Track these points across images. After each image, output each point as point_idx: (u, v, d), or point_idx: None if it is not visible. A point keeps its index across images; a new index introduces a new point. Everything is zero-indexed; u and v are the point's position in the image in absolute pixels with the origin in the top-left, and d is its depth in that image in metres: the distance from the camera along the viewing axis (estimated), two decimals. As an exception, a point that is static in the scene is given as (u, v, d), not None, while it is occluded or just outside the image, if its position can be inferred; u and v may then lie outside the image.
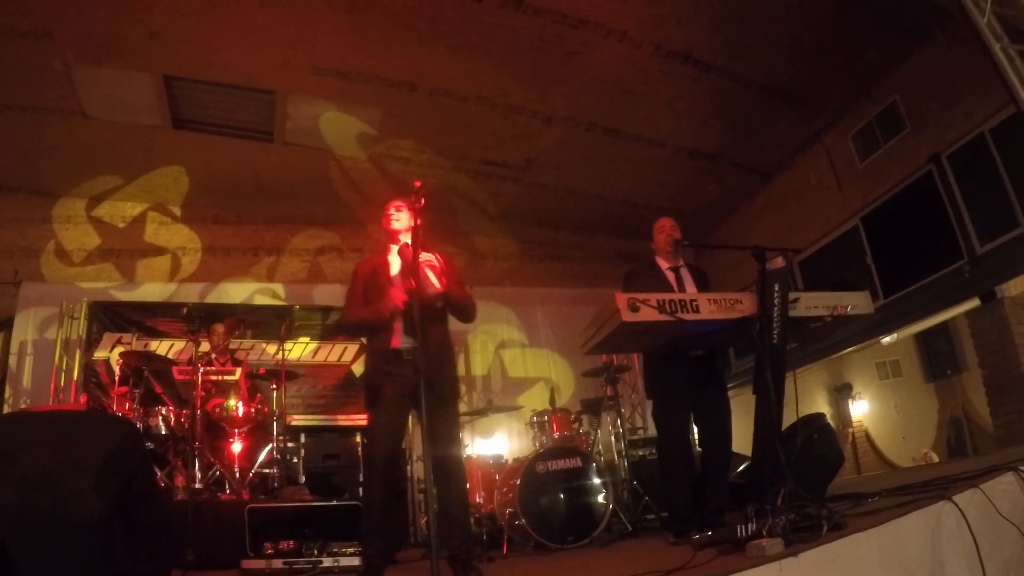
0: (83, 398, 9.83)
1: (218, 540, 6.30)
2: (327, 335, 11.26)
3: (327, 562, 5.80)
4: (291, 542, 6.05)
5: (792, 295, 5.23)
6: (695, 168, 10.98)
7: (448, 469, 5.02)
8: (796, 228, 10.93)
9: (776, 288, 5.12)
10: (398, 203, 5.56)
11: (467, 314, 5.52)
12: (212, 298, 11.60)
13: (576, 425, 7.74)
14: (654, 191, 11.39)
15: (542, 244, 13.04)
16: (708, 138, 10.39)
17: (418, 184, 4.85)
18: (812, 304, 5.44)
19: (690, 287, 6.10)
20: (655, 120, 10.00)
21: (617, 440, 8.63)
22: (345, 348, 11.24)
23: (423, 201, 4.84)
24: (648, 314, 4.94)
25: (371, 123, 10.04)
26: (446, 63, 8.92)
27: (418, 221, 5.08)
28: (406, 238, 5.40)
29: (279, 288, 11.97)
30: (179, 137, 10.48)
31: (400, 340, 5.21)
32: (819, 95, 9.68)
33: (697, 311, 5.09)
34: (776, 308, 5.12)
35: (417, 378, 4.73)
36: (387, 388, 5.17)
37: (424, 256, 5.22)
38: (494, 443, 10.06)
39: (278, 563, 5.85)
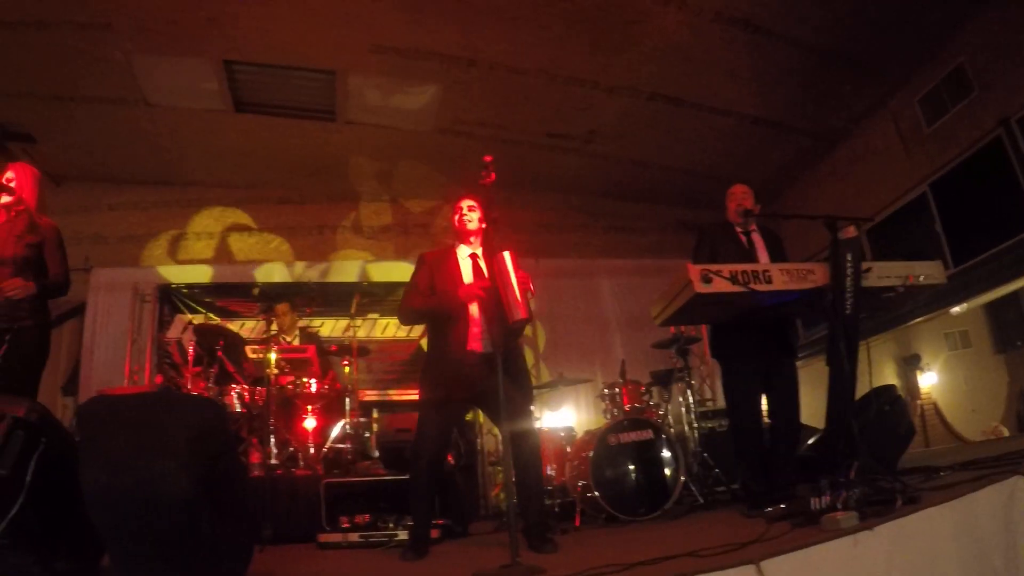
0: (159, 379, 9.99)
1: (294, 515, 6.45)
2: (395, 311, 11.21)
3: (402, 534, 5.85)
4: (366, 515, 6.16)
5: (864, 265, 5.16)
6: (758, 136, 10.85)
7: (522, 443, 5.02)
8: (862, 195, 10.76)
9: (849, 258, 5.05)
10: (470, 201, 5.54)
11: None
12: (279, 277, 11.76)
13: (646, 397, 7.69)
14: (717, 160, 11.28)
15: (606, 215, 12.97)
16: (771, 105, 10.26)
17: (488, 158, 4.77)
18: (884, 274, 5.36)
19: (762, 252, 6.05)
20: (717, 88, 9.90)
21: (687, 412, 8.58)
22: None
23: (493, 176, 4.76)
24: (721, 285, 4.90)
25: (431, 99, 10.07)
26: (504, 37, 8.91)
27: (483, 223, 5.09)
28: (476, 240, 5.40)
29: (345, 265, 12.08)
30: (241, 120, 10.63)
31: (475, 345, 5.22)
32: (883, 59, 9.48)
33: (770, 281, 5.04)
34: (849, 278, 5.06)
35: (486, 379, 4.76)
36: (449, 390, 5.18)
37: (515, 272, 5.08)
38: (562, 416, 10.05)
39: (354, 536, 5.96)
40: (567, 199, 12.47)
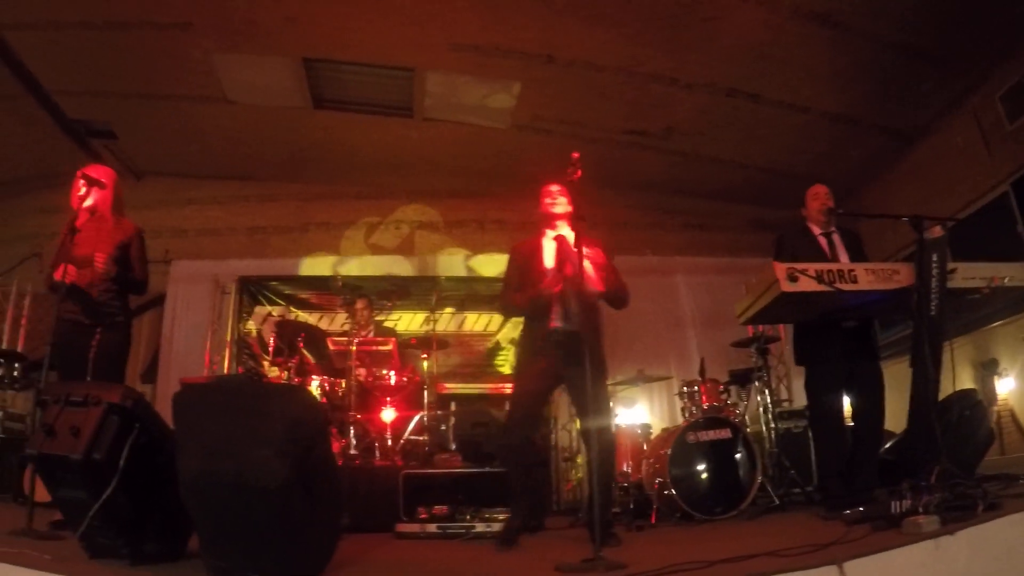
0: (240, 370, 10.16)
1: (373, 505, 6.55)
2: (472, 305, 11.46)
3: (480, 527, 5.92)
4: (444, 507, 6.23)
5: (950, 265, 5.11)
6: (836, 134, 10.68)
7: (602, 440, 5.06)
8: (941, 195, 10.53)
9: (935, 258, 5.00)
10: (557, 187, 5.62)
11: (621, 304, 5.61)
12: (356, 271, 11.90)
13: (724, 396, 7.66)
14: (795, 158, 11.13)
15: (682, 213, 12.87)
16: (849, 102, 10.09)
17: (576, 155, 4.86)
18: (970, 275, 5.30)
19: (842, 253, 6.00)
20: (795, 85, 9.76)
21: (764, 412, 8.52)
22: (490, 319, 11.43)
23: (580, 172, 4.84)
24: (807, 284, 4.90)
25: (509, 97, 10.09)
26: (582, 34, 8.88)
27: (572, 208, 5.15)
28: (563, 224, 5.47)
29: (422, 260, 12.19)
30: (320, 117, 10.78)
31: (555, 322, 5.31)
32: (964, 54, 9.23)
33: (855, 281, 5.02)
34: (934, 279, 5.01)
35: (568, 357, 4.86)
36: (539, 360, 5.26)
37: (586, 251, 5.22)
38: (636, 413, 10.04)
39: (432, 527, 6.03)
40: (643, 196, 12.38)
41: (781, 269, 4.95)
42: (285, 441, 3.48)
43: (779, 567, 3.23)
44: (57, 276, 5.60)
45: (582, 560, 3.63)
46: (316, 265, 11.99)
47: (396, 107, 10.59)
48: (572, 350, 5.11)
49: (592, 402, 4.77)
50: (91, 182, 5.91)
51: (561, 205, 5.58)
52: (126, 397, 3.87)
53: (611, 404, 6.15)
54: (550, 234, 5.61)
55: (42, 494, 4.54)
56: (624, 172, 11.50)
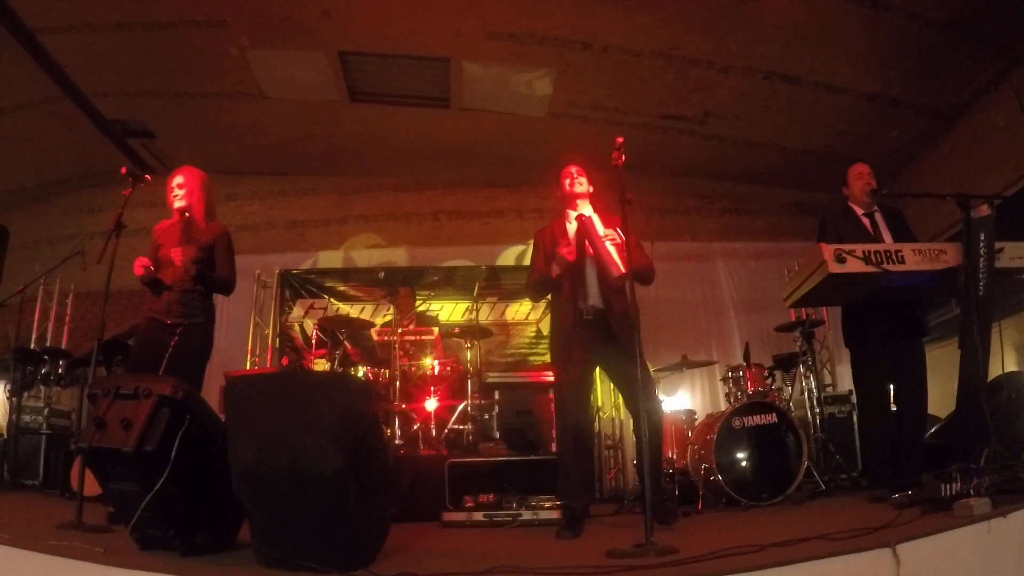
0: (284, 361, 10.24)
1: (418, 494, 6.56)
2: (513, 294, 11.46)
3: (526, 515, 5.93)
4: (491, 495, 6.24)
5: (997, 245, 5.02)
6: (876, 114, 10.56)
7: (649, 423, 5.05)
8: (983, 173, 10.37)
9: (982, 238, 4.93)
10: (576, 167, 5.65)
11: (645, 280, 5.56)
12: (397, 261, 11.99)
13: (769, 381, 7.62)
14: (834, 140, 11.02)
15: (721, 198, 12.82)
16: (888, 82, 9.96)
17: (620, 140, 4.87)
18: (1018, 254, 5.21)
19: (886, 233, 5.94)
20: (834, 65, 9.66)
21: (809, 397, 8.46)
22: (532, 307, 11.43)
23: (623, 158, 4.84)
24: (854, 265, 4.86)
25: (546, 84, 10.08)
26: (618, 19, 8.85)
27: (591, 189, 5.16)
28: (583, 203, 5.49)
29: (462, 250, 12.22)
30: (357, 110, 10.87)
31: (583, 302, 5.34)
32: (1005, 30, 9.04)
33: (902, 262, 4.97)
34: (982, 259, 4.93)
35: (602, 337, 4.87)
36: (574, 348, 5.27)
37: (605, 231, 5.26)
38: (679, 399, 10.02)
39: (479, 515, 6.03)
40: (682, 182, 12.32)
41: (829, 250, 4.90)
42: (338, 429, 3.50)
43: (831, 550, 3.21)
44: (136, 272, 5.75)
45: (633, 545, 3.62)
46: (356, 257, 12.06)
47: (432, 98, 10.63)
48: (601, 329, 5.21)
49: (631, 383, 4.75)
50: (182, 184, 6.18)
51: (581, 184, 5.61)
52: (177, 389, 3.90)
53: (655, 386, 6.10)
54: (571, 215, 5.63)
55: (90, 488, 4.60)
56: (662, 158, 11.45)
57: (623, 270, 5.18)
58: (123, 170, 5.93)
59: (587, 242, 5.39)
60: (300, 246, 12.39)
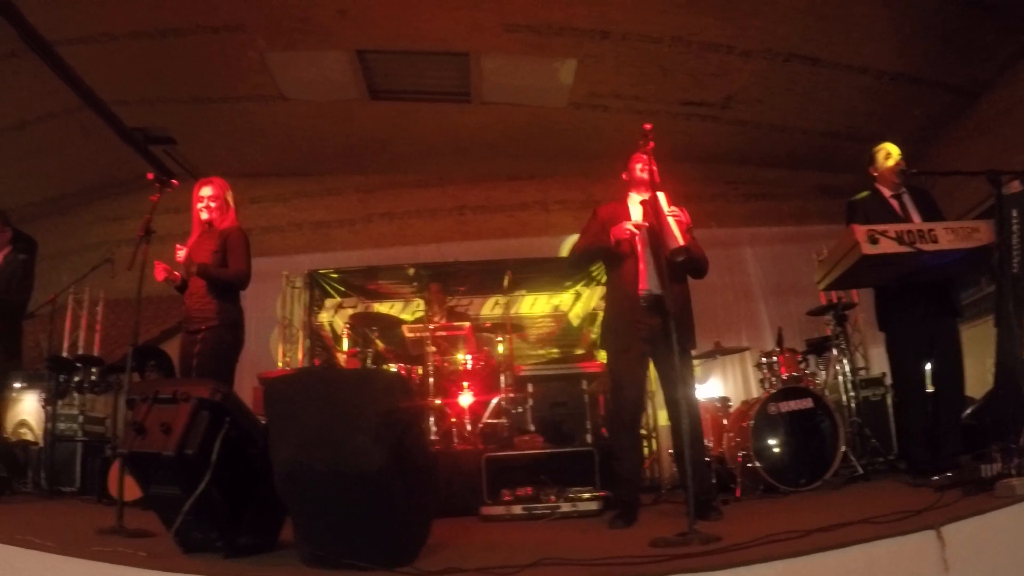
0: (316, 361, 10.29)
1: (455, 488, 6.57)
2: (543, 287, 11.47)
3: (565, 507, 5.93)
4: (528, 488, 6.22)
5: (1030, 220, 4.98)
6: (898, 93, 10.47)
7: (688, 414, 5.04)
8: (1011, 149, 10.23)
9: (1014, 214, 4.89)
10: (644, 155, 5.57)
11: (701, 272, 5.67)
12: (424, 258, 12.02)
13: (802, 365, 7.57)
14: (857, 121, 10.94)
15: (745, 183, 12.74)
16: (910, 60, 9.87)
17: (648, 126, 4.89)
18: (1052, 229, 5.16)
19: (915, 214, 5.89)
20: (854, 45, 9.58)
21: (843, 380, 8.41)
22: (561, 299, 11.47)
23: (652, 144, 4.86)
24: (888, 246, 4.83)
25: (566, 74, 10.05)
26: (637, 6, 8.83)
27: (654, 168, 5.14)
28: (646, 189, 5.49)
29: (489, 244, 12.22)
30: (377, 108, 10.90)
31: (643, 286, 5.36)
32: (1026, 3, 9.09)
33: (935, 241, 4.94)
34: (1015, 235, 4.89)
35: (658, 324, 4.87)
36: (631, 333, 5.29)
37: (671, 210, 5.27)
38: (710, 387, 9.99)
39: (517, 509, 6.03)
40: (706, 168, 12.24)
41: (861, 232, 4.87)
42: (380, 426, 3.52)
43: (876, 534, 3.19)
44: (158, 278, 5.98)
45: (676, 534, 3.61)
46: (383, 255, 12.09)
47: (453, 93, 10.63)
48: (657, 315, 5.22)
49: (680, 372, 4.75)
50: (212, 197, 6.28)
51: (646, 172, 5.57)
52: (215, 391, 3.93)
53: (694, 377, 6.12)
54: (635, 197, 5.67)
55: (129, 493, 4.63)
56: (685, 144, 11.39)
57: (681, 243, 5.24)
58: (150, 176, 6.00)
59: (653, 220, 5.37)
60: (326, 246, 12.46)
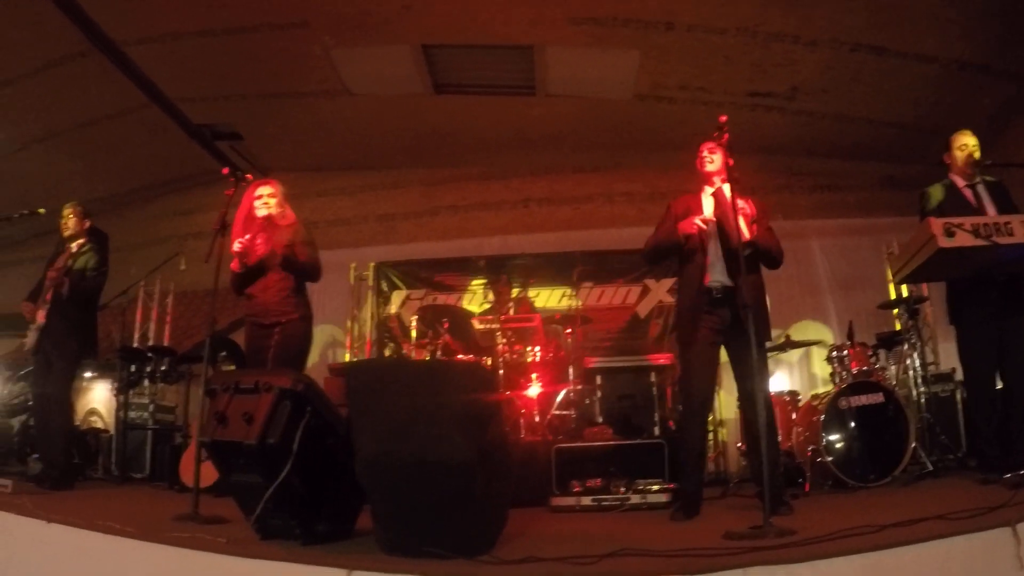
0: (385, 354, 10.39)
1: (525, 479, 6.52)
2: (611, 278, 11.45)
3: (634, 499, 5.96)
4: (598, 480, 6.27)
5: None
6: (966, 82, 10.28)
7: (762, 406, 5.06)
8: (1082, 139, 10.14)
9: (1093, 206, 4.83)
10: (711, 145, 5.67)
11: (773, 261, 5.64)
12: (490, 250, 12.07)
13: (873, 360, 7.50)
14: (924, 111, 10.76)
15: (811, 174, 12.55)
16: (978, 49, 9.66)
17: (723, 118, 4.91)
18: None
19: (989, 206, 5.79)
20: (921, 34, 9.42)
21: (913, 375, 8.33)
22: (628, 291, 11.44)
23: (727, 135, 4.88)
24: (964, 239, 4.77)
25: (631, 66, 10.01)
26: (701, -3, 8.78)
27: (730, 162, 5.16)
28: (719, 180, 5.54)
29: (554, 236, 12.21)
30: (441, 102, 10.96)
31: (712, 278, 5.40)
32: (1099, -17, 8.88)
33: (1011, 234, 4.85)
34: (1093, 229, 4.82)
35: (728, 316, 4.94)
36: (701, 326, 5.34)
37: (738, 203, 5.28)
38: (776, 380, 9.92)
39: (587, 500, 6.07)
40: (771, 160, 12.10)
41: (938, 225, 4.81)
42: (465, 417, 3.61)
43: (951, 530, 3.20)
44: (236, 250, 6.12)
45: (751, 527, 3.63)
46: (448, 247, 12.16)
47: (517, 85, 10.65)
48: (728, 306, 5.27)
49: (755, 364, 4.75)
50: (272, 195, 6.39)
51: (712, 163, 5.65)
52: (297, 382, 4.03)
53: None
54: (708, 190, 5.71)
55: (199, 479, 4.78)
56: (750, 136, 11.28)
57: (747, 237, 5.26)
58: (224, 171, 6.15)
59: (718, 213, 5.48)
60: (392, 238, 12.57)
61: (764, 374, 5.35)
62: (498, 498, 3.94)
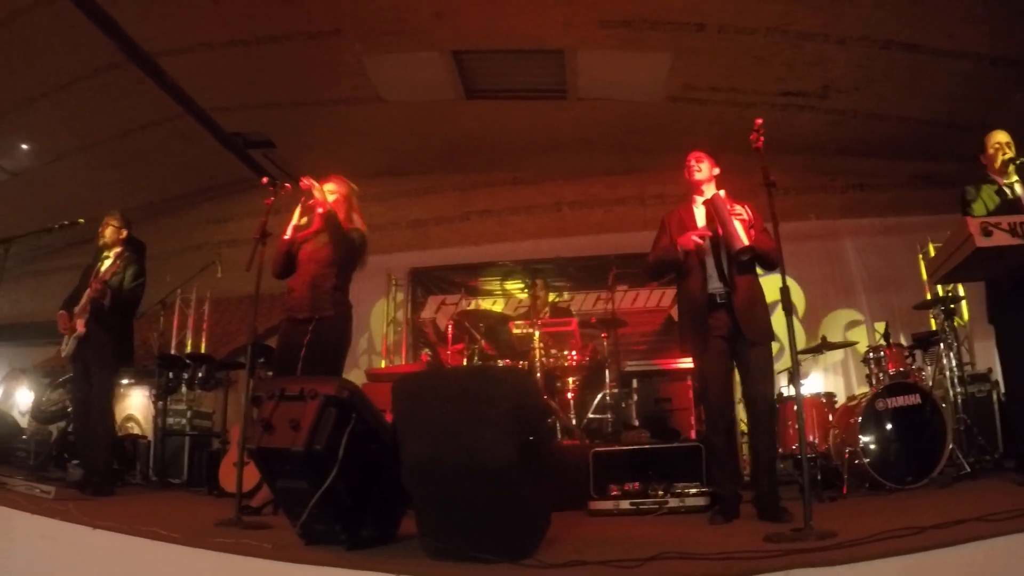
0: (424, 357, 10.46)
1: (562, 483, 6.53)
2: (642, 282, 11.45)
3: (673, 502, 5.96)
4: (636, 483, 6.25)
5: None
6: (999, 78, 10.18)
7: (758, 410, 5.09)
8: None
9: None
10: (698, 154, 5.74)
11: (770, 264, 5.55)
12: (520, 255, 12.11)
13: (909, 360, 7.46)
14: (956, 108, 10.67)
15: (843, 173, 12.48)
16: (1010, 42, 9.55)
17: (759, 121, 4.90)
18: None
19: (1028, 203, 5.78)
20: (953, 30, 9.33)
21: (950, 376, 8.26)
22: (663, 293, 11.44)
23: (762, 140, 4.86)
24: (1001, 238, 4.73)
25: (662, 68, 10.02)
26: (731, -3, 8.78)
27: (717, 172, 5.29)
28: (709, 188, 5.62)
29: (586, 240, 12.23)
30: (473, 107, 11.02)
31: (711, 285, 5.43)
32: None
33: (1049, 233, 4.81)
34: None
35: (731, 321, 5.10)
36: (703, 334, 5.36)
37: (734, 209, 5.33)
38: (812, 382, 9.89)
39: (625, 504, 6.09)
40: (803, 159, 12.03)
41: (975, 224, 4.78)
42: (511, 423, 3.64)
43: (992, 532, 3.21)
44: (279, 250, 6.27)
45: (791, 530, 3.66)
46: (481, 252, 12.22)
47: (548, 89, 10.70)
48: (730, 311, 5.30)
49: (755, 365, 4.79)
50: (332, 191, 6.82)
51: (700, 172, 5.69)
52: (342, 388, 4.09)
53: (775, 375, 6.10)
54: (698, 200, 5.72)
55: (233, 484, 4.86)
56: (782, 135, 11.21)
57: (746, 244, 5.26)
58: (264, 180, 6.22)
59: (716, 222, 5.48)
60: (425, 244, 12.68)
61: (767, 375, 5.33)
62: (541, 503, 3.98)
